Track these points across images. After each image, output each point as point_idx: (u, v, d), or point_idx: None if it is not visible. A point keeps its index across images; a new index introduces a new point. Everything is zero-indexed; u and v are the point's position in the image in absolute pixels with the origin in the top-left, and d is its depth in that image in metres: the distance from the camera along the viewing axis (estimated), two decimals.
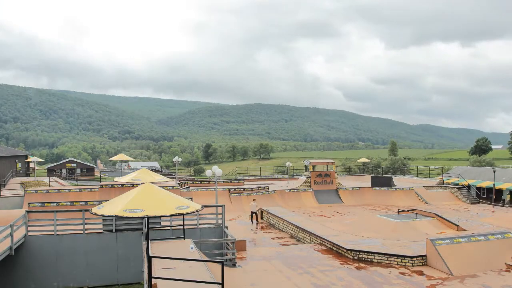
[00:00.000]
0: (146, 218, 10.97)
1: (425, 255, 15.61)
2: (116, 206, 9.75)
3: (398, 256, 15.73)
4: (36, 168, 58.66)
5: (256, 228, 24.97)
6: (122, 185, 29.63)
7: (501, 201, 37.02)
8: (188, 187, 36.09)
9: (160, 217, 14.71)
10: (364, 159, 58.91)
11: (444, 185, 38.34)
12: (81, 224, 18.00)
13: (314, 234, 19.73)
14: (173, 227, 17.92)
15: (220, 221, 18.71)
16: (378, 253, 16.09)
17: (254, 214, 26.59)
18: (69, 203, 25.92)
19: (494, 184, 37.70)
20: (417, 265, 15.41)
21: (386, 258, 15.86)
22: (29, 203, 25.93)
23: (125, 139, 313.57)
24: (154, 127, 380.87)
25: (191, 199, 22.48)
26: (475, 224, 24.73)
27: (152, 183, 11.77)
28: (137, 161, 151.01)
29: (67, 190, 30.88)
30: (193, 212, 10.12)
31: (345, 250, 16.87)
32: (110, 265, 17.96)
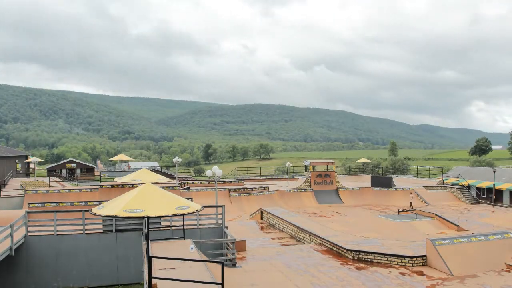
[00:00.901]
0: (146, 218, 10.97)
1: (425, 255, 15.60)
2: (116, 206, 9.76)
3: (398, 256, 15.73)
4: (36, 168, 58.67)
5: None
6: (122, 185, 29.62)
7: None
8: (188, 187, 36.09)
9: (160, 217, 14.71)
10: (364, 159, 58.89)
11: (444, 185, 38.32)
12: (81, 224, 18.01)
13: (314, 234, 19.72)
14: (173, 227, 17.92)
15: (220, 221, 18.71)
16: (378, 253, 16.09)
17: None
18: (69, 203, 25.92)
19: (494, 184, 37.69)
20: (417, 265, 15.40)
21: (386, 258, 15.86)
22: (29, 203, 25.93)
23: (125, 139, 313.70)
24: (154, 127, 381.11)
25: (191, 199, 22.48)
26: (475, 224, 24.74)
27: (152, 183, 11.77)
28: (137, 161, 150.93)
29: (67, 190, 30.90)
30: (193, 212, 10.13)
31: (345, 250, 16.86)
32: (110, 265, 17.96)
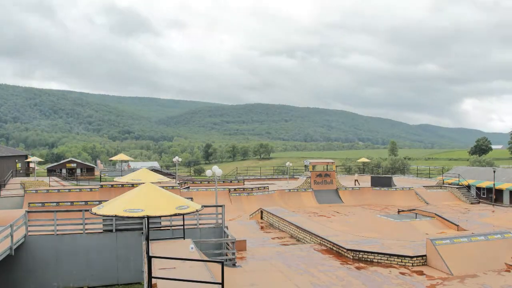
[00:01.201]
0: (146, 218, 10.97)
1: (425, 255, 15.60)
2: (116, 206, 9.74)
3: (398, 256, 15.73)
4: (36, 168, 58.67)
5: None
6: (122, 185, 29.64)
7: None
8: (188, 187, 36.09)
9: (160, 217, 14.71)
10: (364, 159, 58.85)
11: (444, 185, 38.33)
12: (81, 224, 18.00)
13: (314, 234, 19.73)
14: (173, 227, 17.91)
15: (220, 221, 18.71)
16: (378, 253, 16.09)
17: None
18: (69, 203, 25.93)
19: (494, 184, 37.67)
20: (417, 265, 15.41)
21: (386, 258, 15.86)
22: (29, 203, 25.94)
23: (125, 139, 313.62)
24: (154, 127, 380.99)
25: (191, 199, 22.47)
26: (475, 224, 24.74)
27: (152, 183, 11.76)
28: (137, 161, 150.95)
29: (67, 190, 30.89)
30: (193, 212, 10.12)
31: (345, 250, 16.86)
32: (110, 265, 17.96)
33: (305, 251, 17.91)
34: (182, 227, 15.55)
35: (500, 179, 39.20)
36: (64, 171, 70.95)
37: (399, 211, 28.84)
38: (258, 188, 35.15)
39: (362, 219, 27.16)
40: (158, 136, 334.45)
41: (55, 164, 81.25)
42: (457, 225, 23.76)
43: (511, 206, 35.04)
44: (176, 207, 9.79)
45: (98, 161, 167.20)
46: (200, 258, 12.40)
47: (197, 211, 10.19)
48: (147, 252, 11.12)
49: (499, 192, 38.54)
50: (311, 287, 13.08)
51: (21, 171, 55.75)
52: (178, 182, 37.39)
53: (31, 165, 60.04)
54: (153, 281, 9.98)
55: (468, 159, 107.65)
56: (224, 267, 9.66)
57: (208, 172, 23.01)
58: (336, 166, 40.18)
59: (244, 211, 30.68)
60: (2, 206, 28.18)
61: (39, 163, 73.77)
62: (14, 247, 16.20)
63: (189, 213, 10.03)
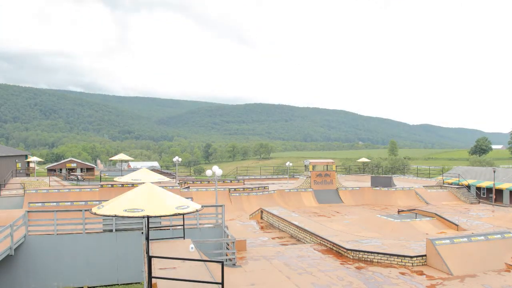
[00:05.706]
0: (146, 218, 10.97)
1: (425, 255, 15.60)
2: (116, 206, 9.75)
3: (398, 256, 15.73)
4: (36, 168, 58.67)
5: None
6: (122, 185, 29.65)
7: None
8: (188, 187, 36.08)
9: (160, 217, 14.71)
10: (364, 159, 58.85)
11: (444, 185, 38.32)
12: (81, 224, 18.01)
13: (314, 234, 19.73)
14: (173, 227, 17.93)
15: (220, 221, 18.73)
16: (378, 253, 16.09)
17: None
18: (69, 203, 25.93)
19: (494, 184, 37.67)
20: (417, 265, 15.41)
21: (386, 258, 15.86)
22: (29, 203, 25.93)
23: (125, 139, 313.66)
24: (154, 127, 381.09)
25: (191, 199, 22.48)
26: (475, 224, 24.74)
27: (152, 182, 11.77)
28: (137, 161, 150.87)
29: (67, 190, 30.89)
30: (193, 212, 10.12)
31: (345, 250, 16.86)
32: (110, 265, 17.97)
33: (305, 251, 17.90)
34: (182, 227, 15.55)
35: (500, 179, 39.21)
36: (64, 171, 70.91)
37: (399, 211, 28.83)
38: (258, 188, 35.15)
39: (362, 219, 27.14)
40: (158, 136, 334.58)
41: (55, 164, 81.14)
42: (457, 225, 23.75)
43: (511, 206, 35.05)
44: (176, 207, 9.80)
45: (98, 161, 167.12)
46: (200, 258, 12.40)
47: (197, 211, 10.19)
48: (147, 252, 11.13)
49: (499, 192, 38.53)
50: (311, 287, 13.08)
51: (21, 171, 55.72)
52: (178, 182, 37.38)
53: (31, 165, 60.03)
54: (153, 281, 9.98)
55: (468, 159, 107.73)
56: (224, 267, 9.67)
57: (208, 172, 23.01)
58: (336, 166, 40.17)
59: (244, 211, 30.69)
60: (2, 206, 28.19)
61: (39, 163, 73.79)
62: (14, 247, 16.21)
63: (189, 213, 10.04)
